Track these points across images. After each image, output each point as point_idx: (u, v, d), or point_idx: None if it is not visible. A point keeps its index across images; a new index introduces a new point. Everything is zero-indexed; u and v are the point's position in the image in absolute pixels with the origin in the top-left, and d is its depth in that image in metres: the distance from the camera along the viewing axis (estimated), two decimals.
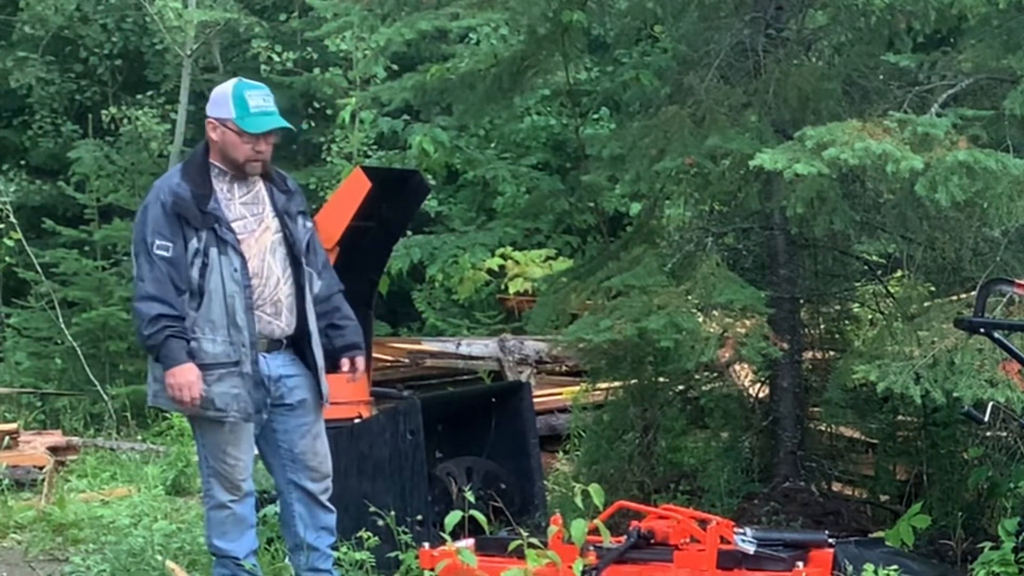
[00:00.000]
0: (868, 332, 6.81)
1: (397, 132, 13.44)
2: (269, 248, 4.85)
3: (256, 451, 5.06)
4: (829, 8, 6.66)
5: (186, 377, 4.69)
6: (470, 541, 4.97)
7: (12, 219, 13.10)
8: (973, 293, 5.42)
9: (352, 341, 5.00)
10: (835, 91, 6.17)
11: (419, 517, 5.58)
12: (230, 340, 4.76)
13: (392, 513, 5.38)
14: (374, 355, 7.27)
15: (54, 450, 9.10)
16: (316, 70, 14.50)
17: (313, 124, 14.93)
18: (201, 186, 4.80)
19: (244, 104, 4.81)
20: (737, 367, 6.97)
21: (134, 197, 13.36)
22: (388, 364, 9.78)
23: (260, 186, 4.92)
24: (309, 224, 5.01)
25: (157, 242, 4.73)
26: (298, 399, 4.94)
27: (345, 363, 4.99)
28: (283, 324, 4.88)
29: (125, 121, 14.79)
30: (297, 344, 4.92)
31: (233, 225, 4.80)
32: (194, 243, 4.74)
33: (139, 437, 10.36)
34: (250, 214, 4.86)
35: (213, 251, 4.75)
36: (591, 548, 4.76)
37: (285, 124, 4.89)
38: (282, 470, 4.99)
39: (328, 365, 5.03)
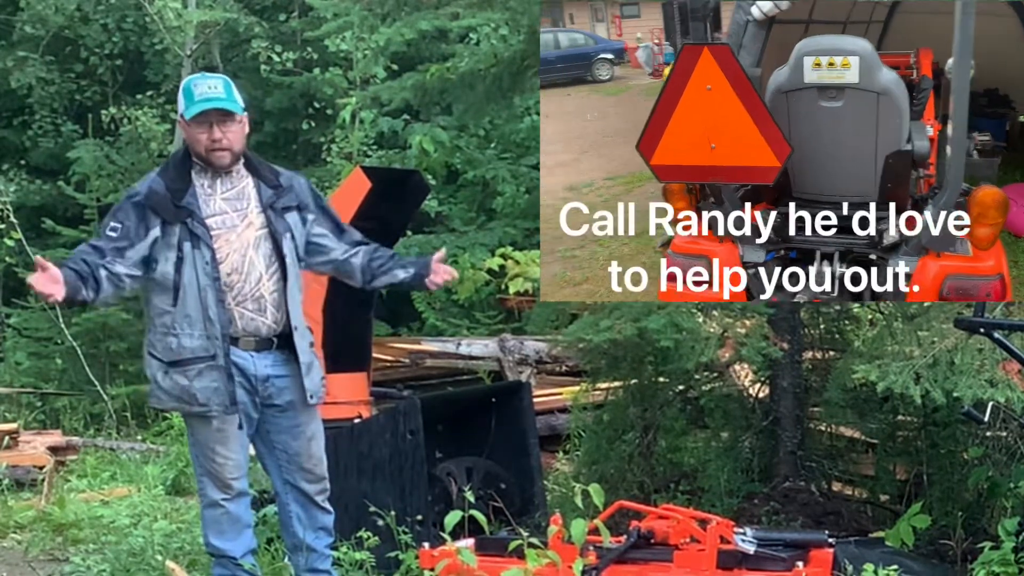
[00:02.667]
0: (868, 332, 6.81)
1: (397, 132, 13.46)
2: (252, 244, 4.83)
3: (254, 452, 5.06)
4: None
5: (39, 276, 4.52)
6: (470, 541, 4.97)
7: (12, 219, 13.11)
8: None
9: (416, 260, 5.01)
10: None
11: (419, 517, 5.57)
12: (207, 334, 4.75)
13: (392, 513, 5.38)
14: (374, 355, 7.28)
15: (54, 450, 9.10)
16: (316, 70, 14.52)
17: (313, 124, 14.95)
18: (177, 181, 4.80)
19: (190, 94, 4.79)
20: (737, 367, 6.97)
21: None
22: (388, 364, 9.79)
23: (247, 182, 4.89)
24: (310, 216, 4.94)
25: (111, 223, 4.75)
26: (286, 400, 4.91)
27: (438, 267, 4.97)
28: (269, 321, 4.85)
29: (125, 121, 14.82)
30: (288, 343, 4.89)
31: (211, 220, 4.78)
32: (168, 237, 4.72)
33: (139, 437, 10.36)
34: (232, 210, 4.84)
35: (187, 245, 4.74)
36: (591, 548, 4.75)
37: (218, 105, 4.76)
38: (278, 471, 4.99)
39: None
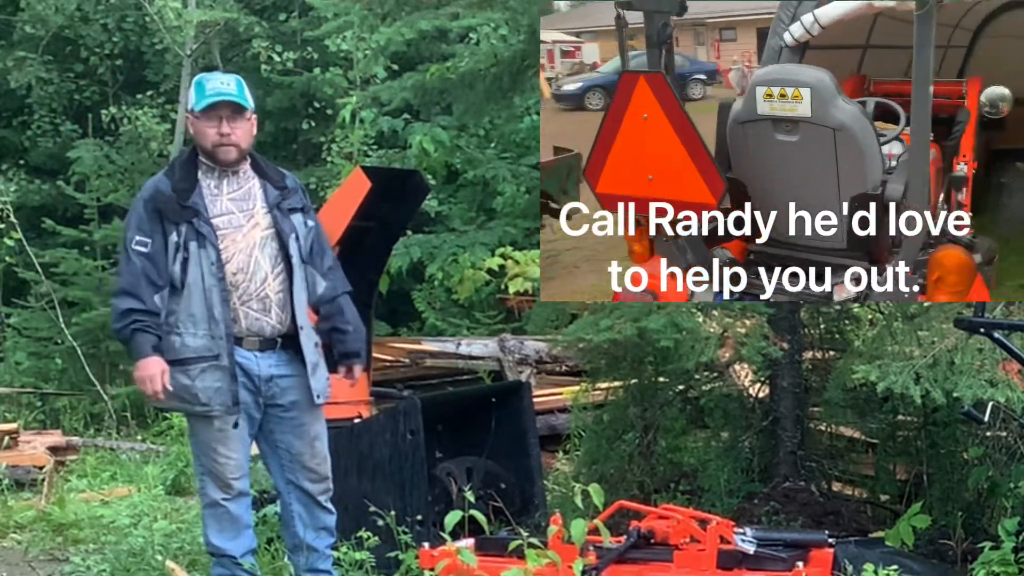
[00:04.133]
0: (868, 332, 6.81)
1: (397, 131, 13.45)
2: (258, 244, 4.84)
3: (257, 451, 5.06)
4: None
5: (149, 370, 4.71)
6: (470, 541, 4.97)
7: (12, 219, 13.10)
8: None
9: (351, 349, 4.97)
10: None
11: (419, 517, 5.58)
12: (211, 334, 4.77)
13: (392, 513, 5.38)
14: (374, 355, 7.28)
15: (54, 450, 9.11)
16: (316, 70, 14.51)
17: (313, 124, 14.94)
18: (183, 181, 4.82)
19: (201, 89, 4.84)
20: (737, 367, 6.97)
21: (134, 197, 13.33)
22: (388, 364, 9.78)
23: (254, 183, 4.91)
24: (311, 223, 4.97)
25: (136, 238, 4.78)
26: (290, 400, 4.92)
27: (341, 371, 4.99)
28: (274, 321, 4.86)
29: (125, 121, 14.81)
30: (293, 343, 4.90)
31: (217, 220, 4.80)
32: (174, 237, 4.76)
33: (139, 437, 10.36)
34: (238, 210, 4.85)
35: (193, 245, 4.76)
36: (591, 548, 4.75)
37: (231, 97, 4.81)
38: (281, 471, 4.99)
39: (331, 367, 5.03)
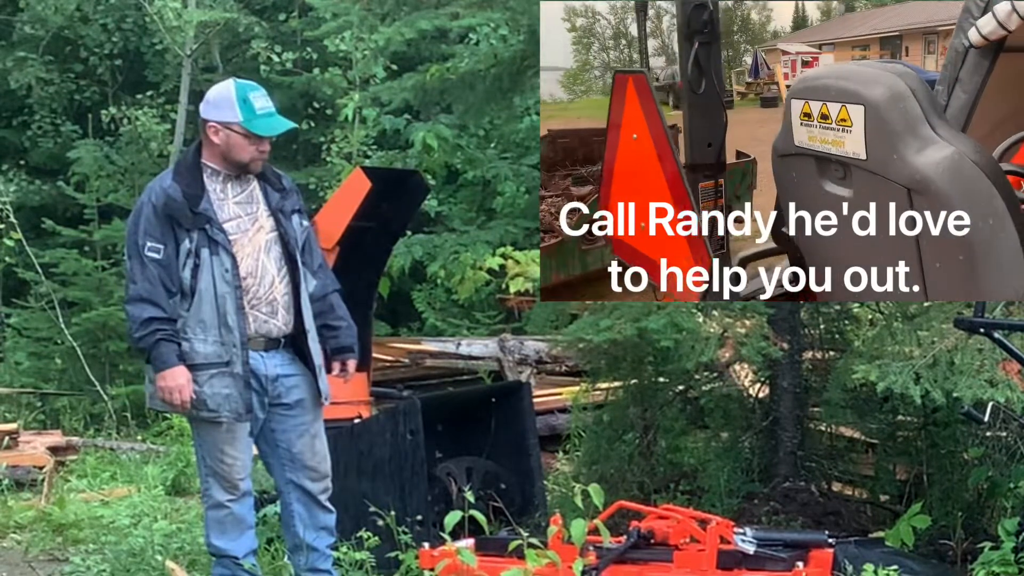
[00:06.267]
0: (868, 332, 6.80)
1: (399, 130, 13.46)
2: (264, 247, 4.85)
3: (256, 451, 5.07)
4: None
5: (176, 380, 4.71)
6: (470, 541, 4.97)
7: (12, 219, 13.11)
8: None
9: (344, 344, 5.00)
10: None
11: (419, 517, 5.58)
12: (221, 340, 4.77)
13: (392, 513, 5.38)
14: (374, 355, 7.27)
15: (54, 450, 9.10)
16: (316, 70, 14.52)
17: (313, 124, 14.95)
18: (192, 186, 4.81)
19: (250, 107, 4.81)
20: (737, 367, 6.97)
21: (134, 197, 13.35)
22: (388, 364, 9.78)
23: (255, 185, 4.92)
24: (306, 223, 5.01)
25: (148, 244, 4.75)
26: (295, 399, 4.93)
27: (336, 366, 5.00)
28: (280, 323, 4.88)
29: (125, 121, 14.81)
30: (296, 343, 4.92)
31: (226, 225, 4.80)
32: (186, 244, 4.75)
33: (139, 437, 10.35)
34: (244, 213, 4.86)
35: (205, 252, 4.76)
36: (591, 548, 4.76)
37: (293, 124, 4.99)
38: (281, 470, 5.00)
39: (326, 366, 5.04)
